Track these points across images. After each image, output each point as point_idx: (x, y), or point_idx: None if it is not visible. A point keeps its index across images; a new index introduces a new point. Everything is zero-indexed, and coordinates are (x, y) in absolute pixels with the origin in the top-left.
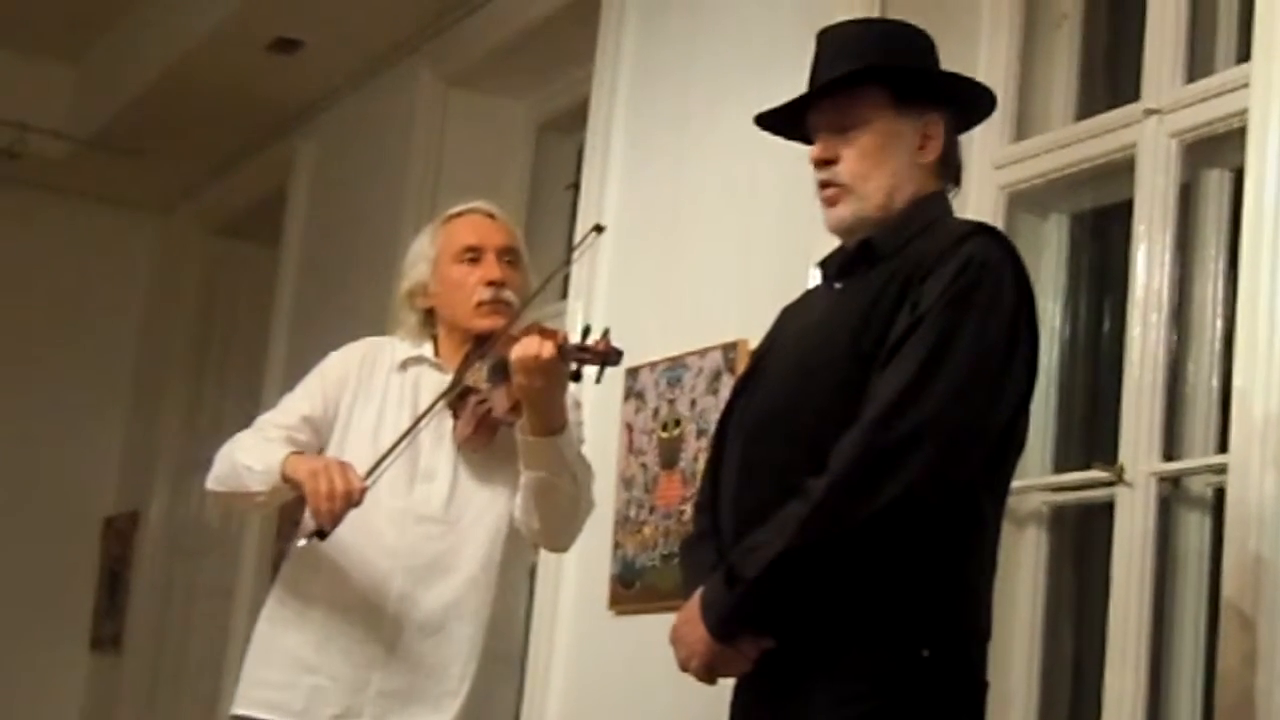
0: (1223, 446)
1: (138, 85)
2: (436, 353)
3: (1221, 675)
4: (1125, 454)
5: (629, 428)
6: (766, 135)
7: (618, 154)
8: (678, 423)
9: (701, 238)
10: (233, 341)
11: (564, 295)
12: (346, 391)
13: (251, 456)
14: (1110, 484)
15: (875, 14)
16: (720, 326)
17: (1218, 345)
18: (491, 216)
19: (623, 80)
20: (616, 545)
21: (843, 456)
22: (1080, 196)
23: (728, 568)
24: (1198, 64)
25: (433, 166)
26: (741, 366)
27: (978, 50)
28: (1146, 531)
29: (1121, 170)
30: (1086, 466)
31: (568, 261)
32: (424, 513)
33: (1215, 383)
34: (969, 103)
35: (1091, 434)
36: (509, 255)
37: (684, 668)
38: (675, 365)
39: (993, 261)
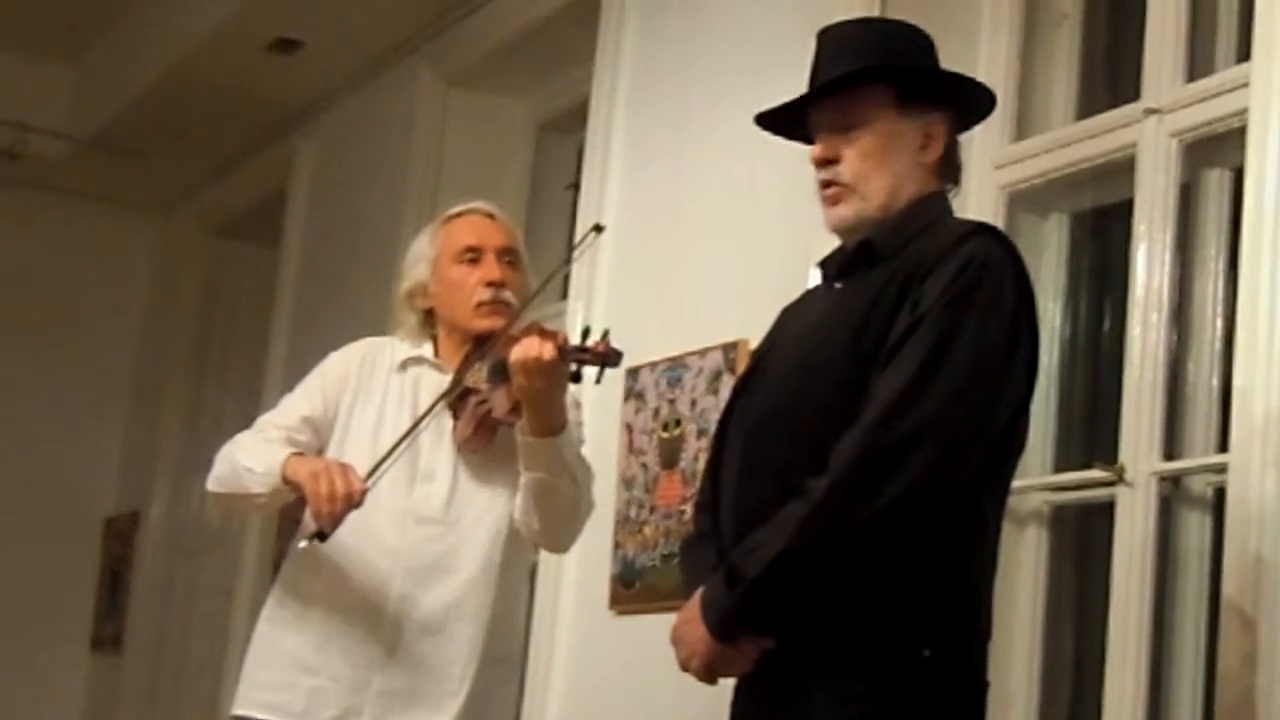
0: (1223, 446)
1: (138, 85)
2: (436, 353)
3: (1222, 675)
4: (1126, 454)
5: (629, 428)
6: (767, 135)
7: (618, 154)
8: (678, 423)
9: (701, 238)
10: (233, 342)
11: (564, 295)
12: (346, 392)
13: (252, 458)
14: (1111, 484)
15: (875, 14)
16: (720, 326)
17: (1218, 345)
18: (491, 217)
19: (623, 80)
20: (617, 545)
21: (843, 456)
22: (1080, 196)
23: (728, 568)
24: (1198, 64)
25: (433, 166)
26: (742, 366)
27: (978, 50)
28: (1147, 531)
29: (1121, 170)
30: (1087, 466)
31: (567, 261)
32: (424, 513)
33: (1215, 382)
34: (970, 102)
35: (1092, 434)
36: (509, 256)
37: (684, 668)
38: (675, 365)
39: (993, 261)
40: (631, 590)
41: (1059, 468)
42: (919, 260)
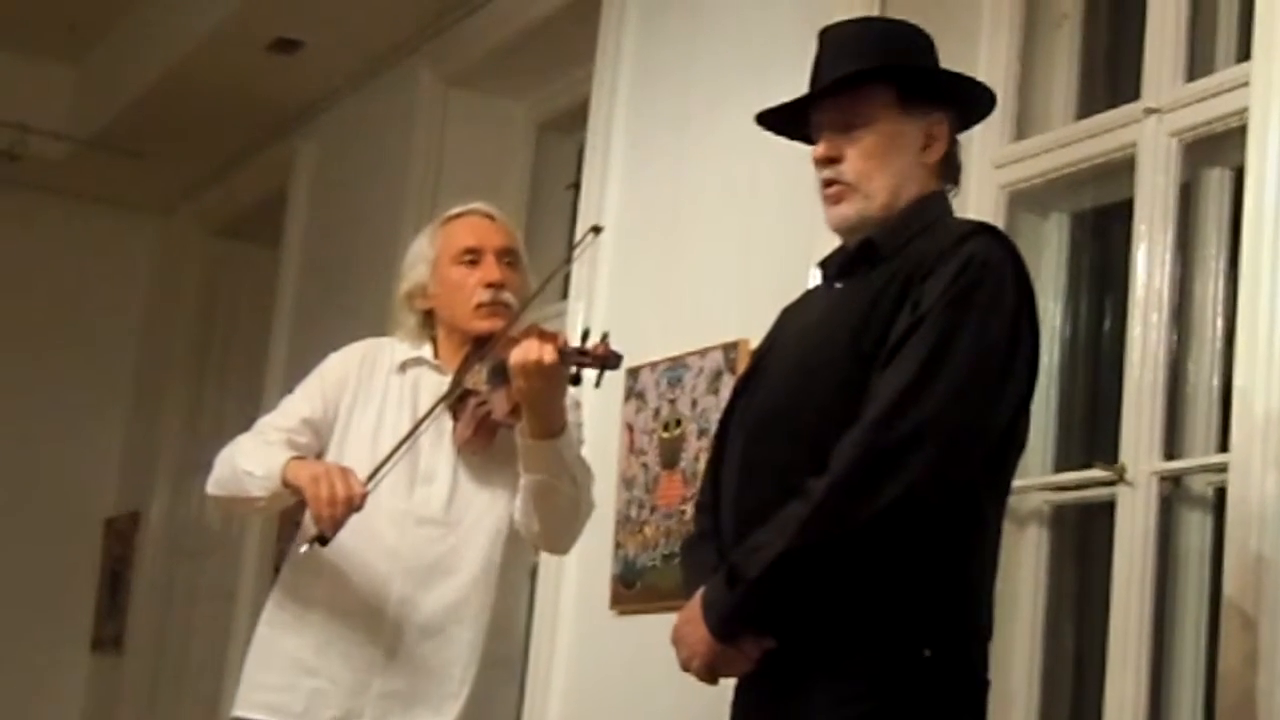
0: (1224, 446)
1: (138, 86)
2: (436, 354)
3: (1222, 675)
4: (1126, 453)
5: (630, 428)
6: (767, 135)
7: (618, 154)
8: (678, 423)
9: (701, 238)
10: (233, 342)
11: (564, 296)
12: (346, 393)
13: (252, 461)
14: (1111, 483)
15: (875, 14)
16: (721, 326)
17: (1218, 344)
18: (491, 218)
19: (623, 80)
20: (617, 545)
21: (843, 456)
22: (1080, 196)
23: (729, 568)
24: (1198, 63)
25: (433, 167)
26: (742, 366)
27: (978, 50)
28: (1147, 531)
29: (1122, 169)
30: (1087, 466)
31: (566, 262)
32: (424, 515)
33: (1216, 382)
34: (970, 102)
35: (1092, 433)
36: (508, 257)
37: (685, 668)
38: (676, 365)
39: (994, 261)
40: (632, 590)
41: (1059, 467)
42: (919, 260)
